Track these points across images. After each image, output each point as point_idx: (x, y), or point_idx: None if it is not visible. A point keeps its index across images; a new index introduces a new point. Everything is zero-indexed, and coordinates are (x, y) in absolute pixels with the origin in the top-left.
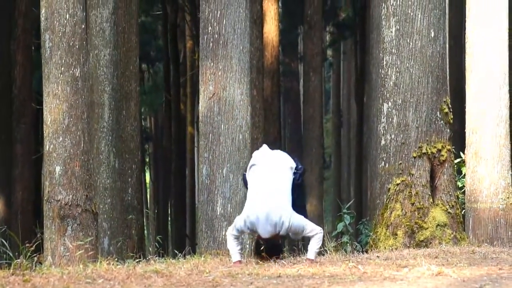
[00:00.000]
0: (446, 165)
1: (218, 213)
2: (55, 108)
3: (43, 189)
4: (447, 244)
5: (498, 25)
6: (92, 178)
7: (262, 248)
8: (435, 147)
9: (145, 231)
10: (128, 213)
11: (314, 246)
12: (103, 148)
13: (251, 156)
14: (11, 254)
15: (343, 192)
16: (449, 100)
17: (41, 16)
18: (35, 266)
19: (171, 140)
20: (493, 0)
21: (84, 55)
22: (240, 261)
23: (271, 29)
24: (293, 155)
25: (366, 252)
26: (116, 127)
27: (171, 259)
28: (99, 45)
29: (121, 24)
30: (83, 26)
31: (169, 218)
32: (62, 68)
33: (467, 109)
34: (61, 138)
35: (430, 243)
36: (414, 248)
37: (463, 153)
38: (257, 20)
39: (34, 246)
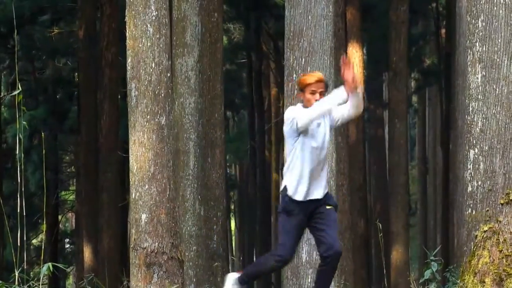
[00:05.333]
0: None
1: (304, 260)
2: (141, 156)
3: (129, 237)
4: None
5: None
6: (177, 225)
7: None
8: None
9: None
10: (213, 261)
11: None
12: (188, 196)
13: (337, 201)
14: None
15: (429, 239)
16: None
17: (127, 65)
18: None
19: (256, 187)
20: None
21: (170, 103)
22: None
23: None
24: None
25: None
26: (202, 174)
27: None
28: (184, 93)
29: (206, 72)
30: (168, 75)
31: None
32: (148, 117)
33: None
34: (147, 186)
35: None
36: None
37: None
38: None
39: None
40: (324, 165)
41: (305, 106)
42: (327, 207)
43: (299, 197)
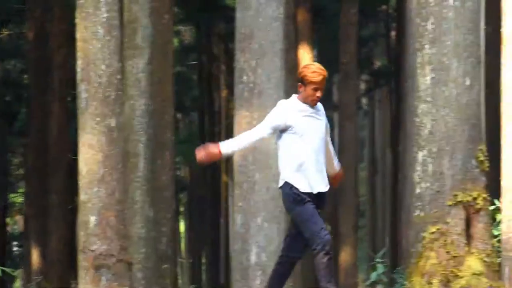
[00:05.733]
0: (482, 213)
1: (253, 262)
2: (90, 158)
3: (78, 239)
4: None
5: None
6: (126, 228)
7: None
8: (470, 195)
9: (179, 281)
10: (162, 263)
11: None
12: (137, 198)
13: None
14: None
15: (378, 241)
16: (485, 148)
17: (77, 67)
18: None
19: (206, 189)
20: None
21: (120, 106)
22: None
23: None
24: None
25: None
26: (151, 176)
27: None
28: (134, 95)
29: (157, 74)
30: (119, 77)
31: (204, 268)
32: (98, 119)
33: (503, 157)
34: (96, 188)
35: None
36: None
37: (498, 201)
38: (292, 69)
39: None
40: (322, 156)
41: (304, 101)
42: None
43: (304, 188)
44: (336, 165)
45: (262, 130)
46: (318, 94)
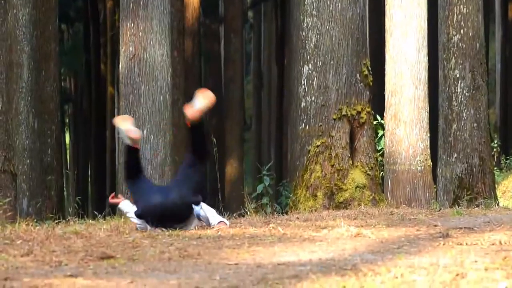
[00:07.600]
0: (366, 127)
1: None
2: None
3: None
4: (366, 206)
5: None
6: (11, 138)
7: None
8: (354, 109)
9: (65, 192)
10: (47, 174)
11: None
12: (22, 109)
13: (172, 117)
14: None
15: (264, 154)
16: (369, 62)
17: None
18: None
19: (91, 101)
20: None
21: (2, 15)
22: None
23: None
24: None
25: (286, 213)
26: (35, 87)
27: (90, 220)
28: (17, 4)
29: None
30: None
31: (89, 179)
32: None
33: (386, 72)
34: None
35: (349, 204)
36: (333, 210)
37: (380, 116)
38: None
39: None
40: None
41: None
42: None
43: None
44: None
45: None
46: None
